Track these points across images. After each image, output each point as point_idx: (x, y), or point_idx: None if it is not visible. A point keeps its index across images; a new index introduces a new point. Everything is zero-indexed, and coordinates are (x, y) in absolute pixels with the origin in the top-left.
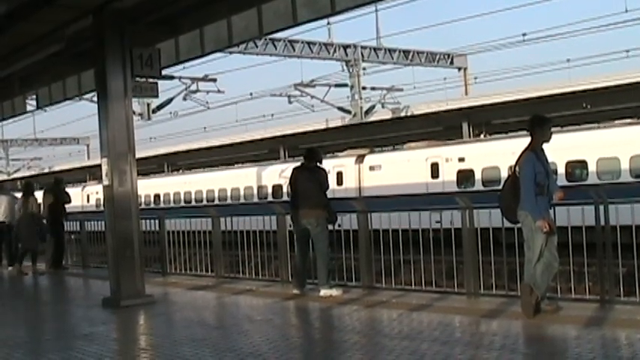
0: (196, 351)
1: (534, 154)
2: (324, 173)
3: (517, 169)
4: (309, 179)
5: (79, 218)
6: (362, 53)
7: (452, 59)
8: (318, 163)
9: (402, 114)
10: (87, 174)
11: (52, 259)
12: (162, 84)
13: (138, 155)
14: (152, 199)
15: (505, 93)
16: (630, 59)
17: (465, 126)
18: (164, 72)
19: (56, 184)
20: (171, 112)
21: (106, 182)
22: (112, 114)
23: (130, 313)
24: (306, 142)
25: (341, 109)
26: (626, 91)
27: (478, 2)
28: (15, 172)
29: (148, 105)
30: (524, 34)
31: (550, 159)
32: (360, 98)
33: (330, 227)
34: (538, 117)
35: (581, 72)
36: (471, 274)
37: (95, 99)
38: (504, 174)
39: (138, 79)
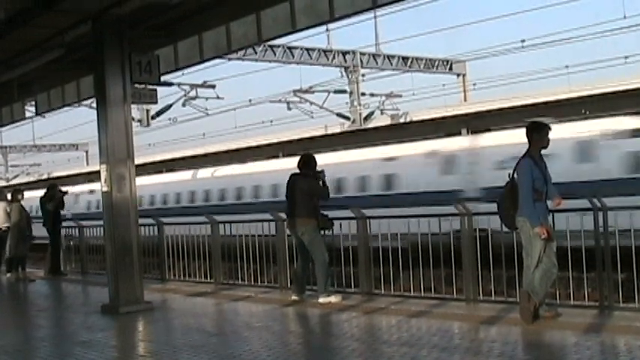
0: (195, 358)
1: (532, 160)
2: (312, 179)
3: (515, 175)
4: (298, 187)
5: (78, 225)
6: (361, 59)
7: (451, 65)
8: (311, 170)
9: (401, 120)
10: (85, 180)
11: (50, 265)
12: (161, 90)
13: (137, 161)
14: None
15: (504, 99)
16: (629, 65)
17: (464, 132)
18: (163, 78)
19: (50, 190)
20: (170, 119)
21: (105, 188)
22: (111, 120)
23: (129, 319)
24: (305, 148)
25: (340, 115)
26: (626, 97)
27: (477, 9)
28: (14, 178)
29: (147, 111)
30: (523, 41)
31: None
32: (359, 104)
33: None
34: (535, 123)
35: (580, 78)
36: (470, 281)
37: (94, 105)
38: None
39: (137, 85)
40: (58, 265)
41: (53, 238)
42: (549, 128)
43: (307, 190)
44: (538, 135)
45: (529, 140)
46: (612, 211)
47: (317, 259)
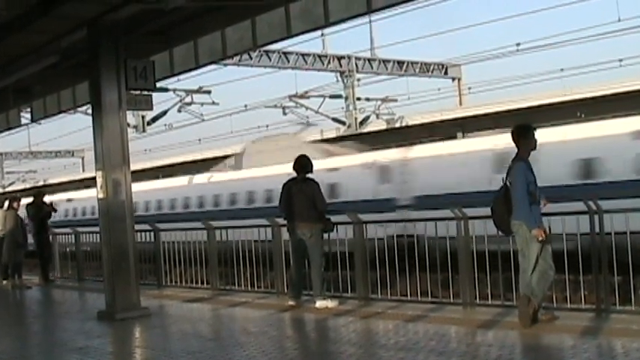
0: None
1: (524, 163)
2: (315, 185)
3: (508, 179)
4: (300, 192)
5: (74, 231)
6: (356, 64)
7: (446, 69)
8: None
9: (397, 124)
10: (81, 187)
11: (42, 272)
12: (156, 96)
13: (133, 167)
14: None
15: (499, 103)
16: (623, 68)
17: (459, 136)
18: (158, 84)
19: (37, 196)
20: (165, 124)
21: (100, 195)
22: (107, 126)
23: (126, 325)
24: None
25: (335, 120)
26: (620, 99)
27: (472, 13)
28: (10, 185)
29: (143, 117)
30: (518, 44)
31: None
32: (355, 109)
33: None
34: (520, 127)
35: (574, 81)
36: (467, 284)
37: (90, 111)
38: None
39: (132, 91)
40: (47, 271)
41: (39, 246)
42: (535, 130)
43: (312, 195)
44: (525, 138)
45: (517, 144)
46: (608, 214)
47: (315, 262)
